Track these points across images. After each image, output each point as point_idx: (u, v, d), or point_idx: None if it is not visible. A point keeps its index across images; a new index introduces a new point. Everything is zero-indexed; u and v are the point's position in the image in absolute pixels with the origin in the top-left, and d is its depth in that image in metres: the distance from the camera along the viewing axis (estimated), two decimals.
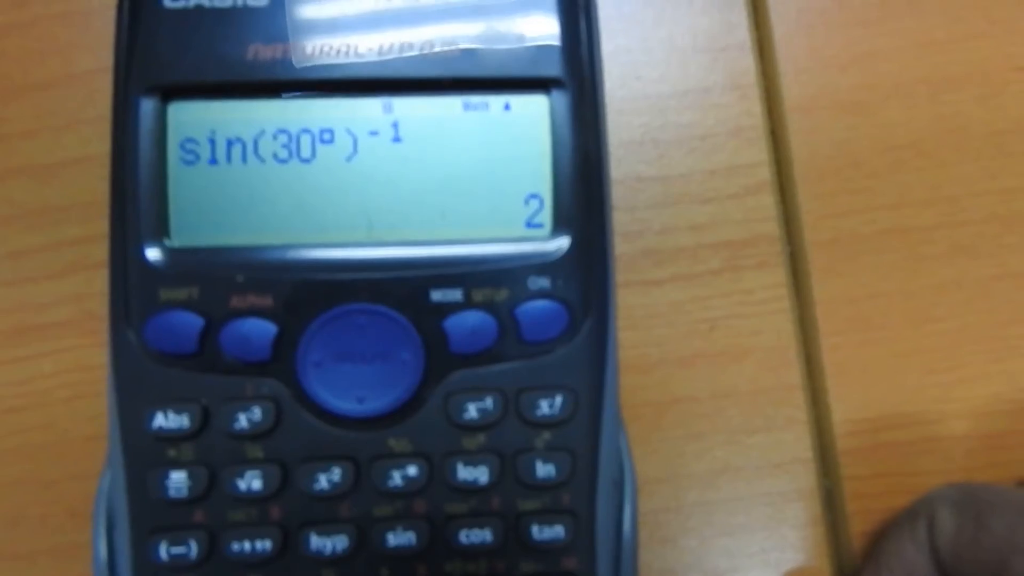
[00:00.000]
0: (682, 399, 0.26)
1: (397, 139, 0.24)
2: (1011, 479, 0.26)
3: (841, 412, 0.26)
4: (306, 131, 0.23)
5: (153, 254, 0.23)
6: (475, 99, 0.24)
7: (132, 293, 0.23)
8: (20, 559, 0.25)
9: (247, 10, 0.23)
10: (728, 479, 0.26)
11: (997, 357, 0.26)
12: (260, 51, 0.23)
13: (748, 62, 0.27)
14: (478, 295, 0.23)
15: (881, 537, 0.24)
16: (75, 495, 0.24)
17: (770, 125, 0.27)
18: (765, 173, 0.27)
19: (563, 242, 0.23)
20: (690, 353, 0.26)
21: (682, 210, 0.26)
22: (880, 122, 0.27)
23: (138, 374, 0.22)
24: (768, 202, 0.27)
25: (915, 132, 0.27)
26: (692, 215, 0.26)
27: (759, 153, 0.27)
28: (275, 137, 0.24)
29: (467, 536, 0.22)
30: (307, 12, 0.23)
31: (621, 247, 0.26)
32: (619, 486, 0.23)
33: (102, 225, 0.23)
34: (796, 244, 0.26)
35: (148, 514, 0.22)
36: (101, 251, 0.23)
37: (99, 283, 0.23)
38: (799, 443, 0.26)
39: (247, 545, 0.22)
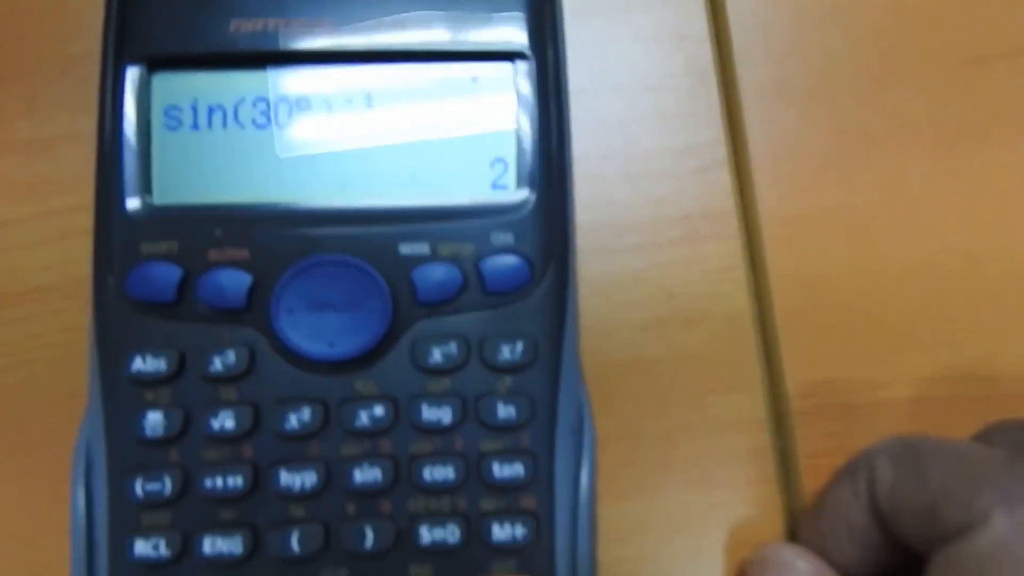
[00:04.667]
0: (642, 361, 0.27)
1: (370, 106, 0.25)
2: None
3: (794, 375, 0.27)
4: (283, 99, 0.25)
5: (136, 211, 0.24)
6: (444, 69, 0.25)
7: (115, 246, 0.24)
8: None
9: None
10: (686, 438, 0.27)
11: (945, 329, 0.28)
12: (241, 25, 0.25)
13: (706, 50, 0.29)
14: (445, 249, 0.24)
15: (824, 489, 0.25)
16: (56, 450, 0.25)
17: (727, 108, 0.28)
18: (721, 152, 0.28)
19: (526, 202, 0.25)
20: (650, 318, 0.27)
21: (644, 185, 0.28)
22: (830, 109, 0.29)
23: (118, 321, 0.24)
24: (725, 179, 0.28)
25: (863, 118, 0.28)
26: (653, 190, 0.28)
27: (716, 133, 0.28)
28: (254, 105, 0.25)
29: (430, 473, 0.23)
30: None
31: (585, 217, 0.27)
32: (578, 434, 0.25)
33: (88, 196, 0.25)
34: (751, 219, 0.28)
35: (125, 453, 0.23)
36: (86, 220, 0.25)
37: (84, 249, 0.24)
38: (754, 404, 0.27)
39: (220, 482, 0.23)
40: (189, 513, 0.23)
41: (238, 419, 0.23)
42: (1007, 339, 0.28)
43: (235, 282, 0.24)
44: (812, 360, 0.27)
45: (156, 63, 0.25)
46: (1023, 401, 0.27)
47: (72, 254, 0.27)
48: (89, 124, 0.25)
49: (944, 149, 0.29)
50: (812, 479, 0.27)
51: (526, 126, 0.25)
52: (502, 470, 0.23)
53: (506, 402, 0.24)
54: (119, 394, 0.23)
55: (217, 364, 0.23)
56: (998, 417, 0.25)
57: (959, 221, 0.28)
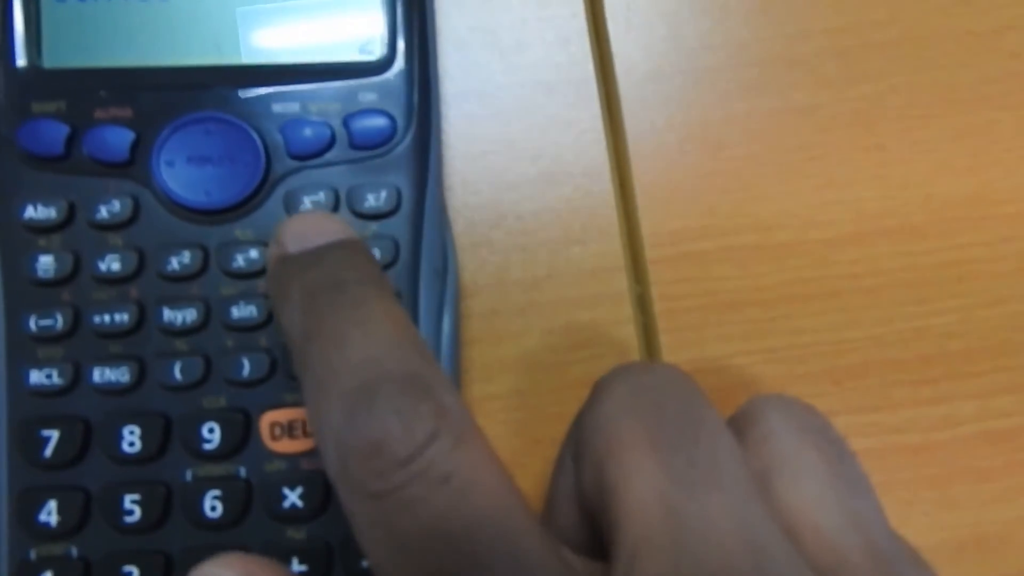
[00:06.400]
0: (508, 217, 0.29)
1: None
2: (794, 279, 0.29)
3: (649, 226, 0.30)
4: None
5: (26, 73, 0.26)
6: None
7: (7, 105, 0.26)
8: None
9: None
10: (551, 285, 0.29)
11: (783, 179, 0.30)
12: None
13: None
14: (314, 107, 0.26)
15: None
16: None
17: None
18: (581, 22, 0.30)
19: (391, 63, 0.27)
20: (516, 178, 0.30)
21: (509, 55, 0.30)
22: None
23: (11, 173, 0.26)
24: (584, 47, 0.30)
25: None
26: (517, 59, 0.30)
27: (576, 5, 0.30)
28: None
29: None
30: None
31: (453, 87, 0.30)
32: (442, 276, 0.27)
33: None
34: (609, 83, 0.30)
35: (20, 293, 0.26)
36: None
37: None
38: (613, 254, 0.29)
39: (107, 318, 0.25)
40: (80, 346, 0.25)
41: (124, 262, 0.25)
42: (840, 183, 0.30)
43: (119, 138, 0.26)
44: (665, 212, 0.30)
45: None
46: (860, 240, 0.30)
47: None
48: None
49: (785, 11, 0.31)
50: (666, 320, 0.30)
51: None
52: None
53: (372, 245, 0.26)
54: (13, 239, 0.25)
55: (103, 212, 0.25)
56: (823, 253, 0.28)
57: (804, 80, 0.31)
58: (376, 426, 0.18)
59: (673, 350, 0.29)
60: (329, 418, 0.18)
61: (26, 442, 0.25)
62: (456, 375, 0.27)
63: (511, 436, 0.29)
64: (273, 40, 0.27)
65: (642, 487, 0.19)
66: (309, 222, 0.22)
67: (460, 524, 0.18)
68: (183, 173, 0.26)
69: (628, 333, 0.29)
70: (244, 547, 0.25)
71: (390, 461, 0.17)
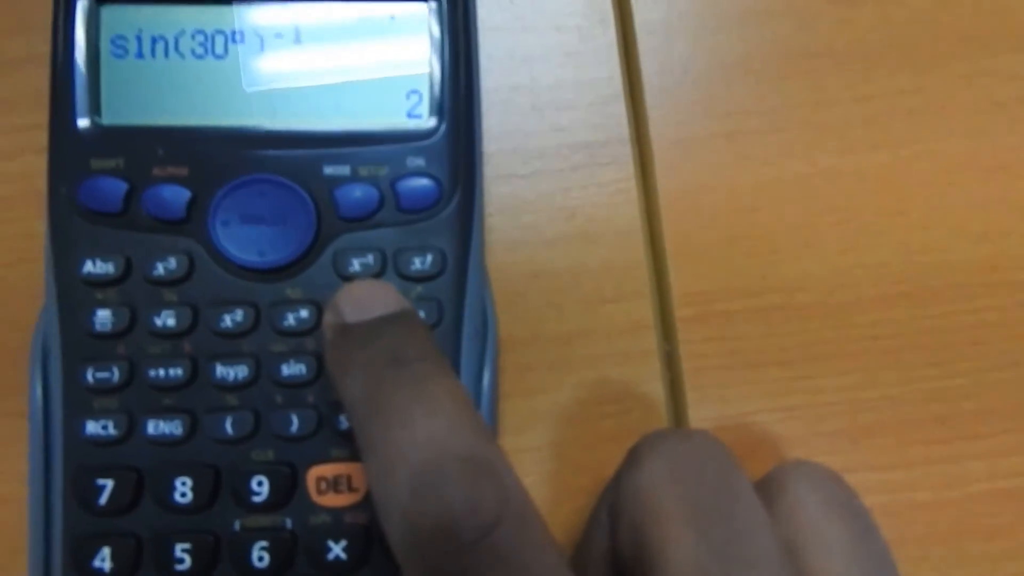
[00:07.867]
0: (543, 274, 0.30)
1: (298, 41, 0.28)
2: (816, 340, 0.31)
3: (679, 286, 0.31)
4: (220, 32, 0.28)
5: (86, 130, 0.27)
6: (366, 8, 0.28)
7: (67, 161, 0.27)
8: None
9: None
10: (583, 341, 0.30)
11: (809, 242, 0.31)
12: None
13: None
14: (364, 170, 0.27)
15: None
16: (16, 342, 0.28)
17: (624, 45, 0.32)
18: (618, 85, 0.31)
19: (437, 129, 0.28)
20: (552, 236, 0.31)
21: (548, 115, 0.31)
22: (716, 44, 0.32)
23: (71, 228, 0.27)
24: (620, 110, 0.31)
25: (744, 52, 0.32)
26: (556, 120, 0.31)
27: (613, 68, 0.32)
28: (193, 37, 0.28)
29: None
30: None
31: (495, 145, 0.31)
32: (482, 338, 0.28)
33: (46, 115, 0.27)
34: (644, 145, 0.31)
35: (77, 346, 0.27)
36: (43, 137, 0.27)
37: (43, 164, 0.27)
38: (643, 312, 0.31)
39: (162, 372, 0.26)
40: (135, 399, 0.26)
41: (178, 318, 0.26)
42: (863, 247, 0.32)
43: (175, 196, 0.27)
44: (695, 272, 0.31)
45: None
46: (880, 303, 0.31)
47: (31, 168, 0.30)
48: (45, 48, 0.28)
49: (814, 79, 0.32)
50: (694, 378, 0.31)
51: (439, 61, 0.28)
52: None
53: (417, 307, 0.27)
54: (72, 293, 0.26)
55: (160, 269, 0.26)
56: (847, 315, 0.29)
57: (831, 146, 0.32)
58: (444, 508, 0.19)
59: (698, 406, 0.31)
60: (395, 495, 0.20)
61: (82, 490, 0.26)
62: (494, 428, 0.28)
63: (541, 487, 0.30)
64: (325, 105, 0.28)
65: (681, 558, 0.20)
66: (366, 291, 0.23)
67: None
68: (237, 232, 0.27)
69: (656, 389, 0.30)
70: None
71: (457, 543, 0.19)
